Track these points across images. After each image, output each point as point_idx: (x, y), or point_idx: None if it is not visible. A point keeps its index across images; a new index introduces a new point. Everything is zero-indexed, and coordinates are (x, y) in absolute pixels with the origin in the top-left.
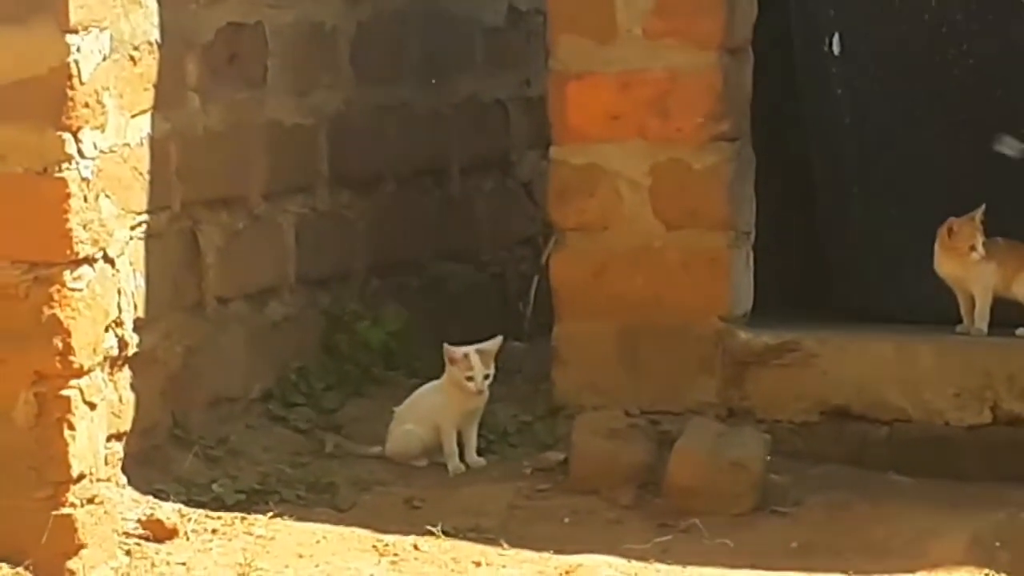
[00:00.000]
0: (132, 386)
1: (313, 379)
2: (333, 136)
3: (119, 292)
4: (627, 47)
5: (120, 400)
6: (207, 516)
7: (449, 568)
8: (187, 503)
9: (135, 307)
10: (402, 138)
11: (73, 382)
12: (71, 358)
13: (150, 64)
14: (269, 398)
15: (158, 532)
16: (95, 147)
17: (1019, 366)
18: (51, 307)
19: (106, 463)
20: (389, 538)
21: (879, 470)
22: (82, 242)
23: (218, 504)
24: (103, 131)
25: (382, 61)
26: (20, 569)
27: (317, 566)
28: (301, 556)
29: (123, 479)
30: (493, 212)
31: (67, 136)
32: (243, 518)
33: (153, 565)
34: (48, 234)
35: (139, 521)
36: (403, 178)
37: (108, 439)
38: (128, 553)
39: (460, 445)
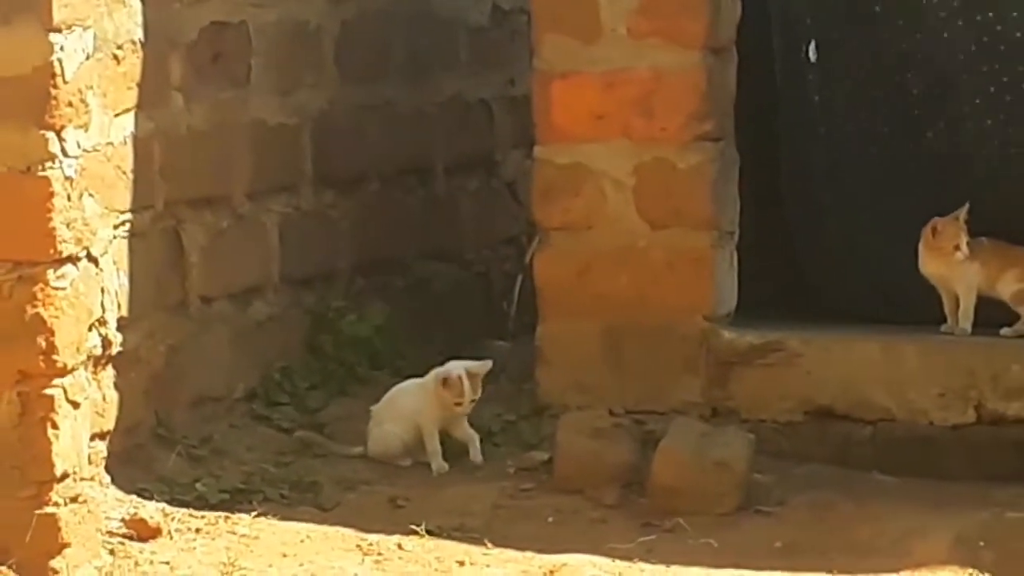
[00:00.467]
0: (115, 385)
1: (297, 378)
2: (317, 135)
3: (102, 291)
4: (611, 47)
5: (104, 399)
6: (191, 515)
7: (433, 567)
8: (171, 502)
9: (119, 306)
10: (386, 137)
11: (56, 381)
12: (54, 357)
13: (134, 63)
14: (253, 397)
15: (142, 531)
16: (78, 146)
17: (1003, 366)
18: (34, 306)
19: (90, 462)
20: (373, 537)
21: (863, 470)
22: (65, 241)
23: (202, 503)
24: (87, 130)
25: (366, 60)
26: (3, 568)
27: (301, 565)
28: (285, 555)
29: (107, 478)
30: (477, 211)
31: (50, 135)
32: (227, 517)
33: (137, 564)
34: (31, 233)
35: (123, 520)
36: (387, 177)
37: (92, 438)
38: (112, 552)
39: (445, 444)
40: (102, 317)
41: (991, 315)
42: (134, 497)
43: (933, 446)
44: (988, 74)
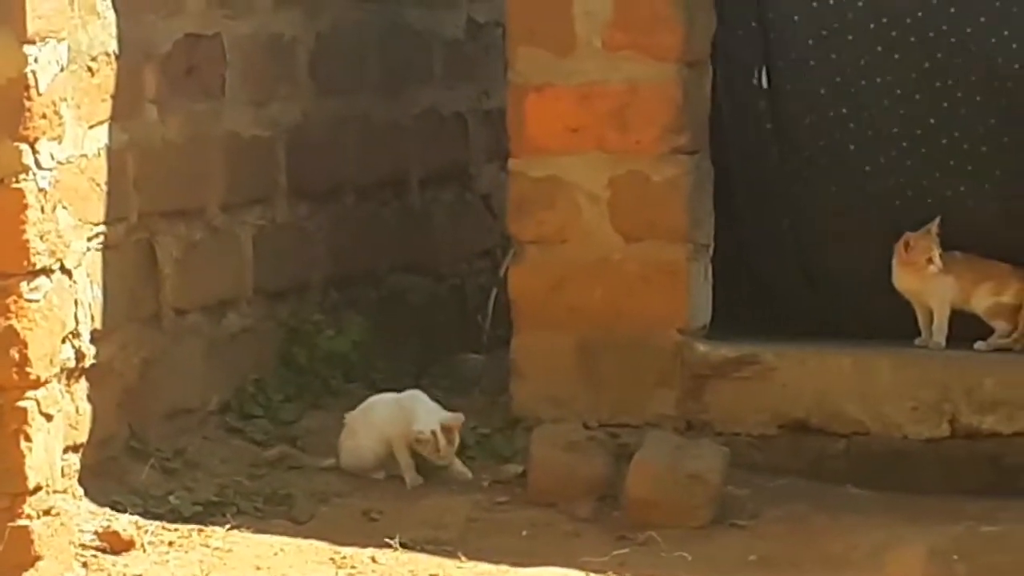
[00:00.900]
0: (89, 398)
1: (271, 391)
2: (291, 148)
3: (76, 303)
4: (586, 59)
5: (77, 412)
6: (164, 528)
7: None
8: (144, 515)
9: (92, 318)
10: (361, 150)
11: (29, 393)
12: (27, 369)
13: (108, 75)
14: (227, 410)
15: (115, 544)
16: (52, 158)
17: (977, 380)
18: (7, 318)
19: (63, 475)
20: (347, 550)
21: (837, 483)
22: (39, 253)
23: (175, 516)
24: (60, 142)
25: (341, 73)
26: None
27: None
28: (258, 568)
29: (80, 491)
30: (452, 224)
31: (24, 147)
32: (200, 530)
33: None
34: (5, 245)
35: (96, 533)
36: (362, 190)
37: (65, 451)
38: (85, 565)
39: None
40: (75, 329)
41: (965, 329)
42: (107, 510)
43: (907, 460)
44: (941, 94)
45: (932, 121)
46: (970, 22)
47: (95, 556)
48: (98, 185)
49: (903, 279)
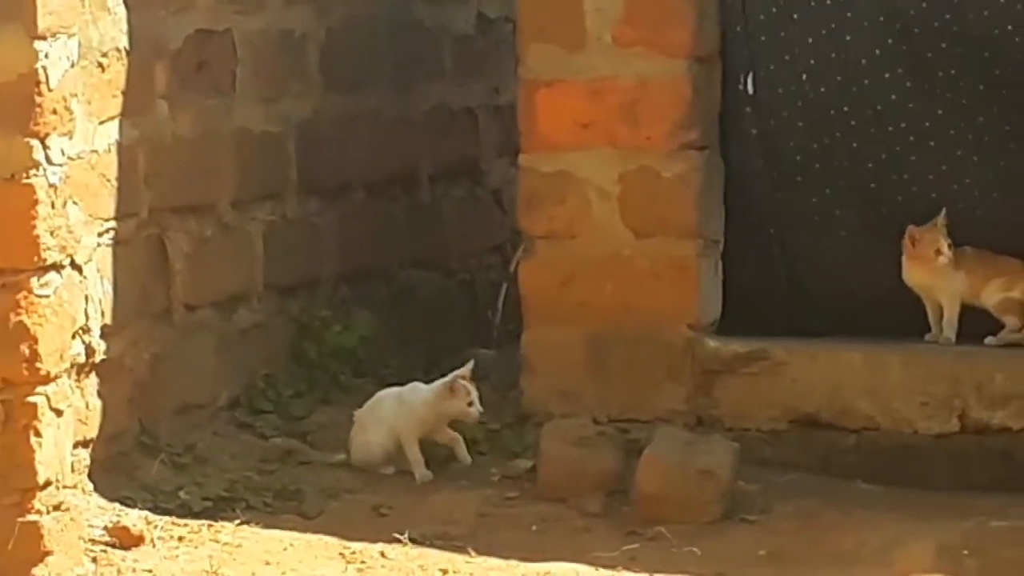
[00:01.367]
0: (99, 393)
1: (281, 386)
2: (302, 143)
3: (86, 299)
4: (597, 55)
5: (87, 407)
6: (174, 523)
7: None
8: (154, 510)
9: (102, 314)
10: (371, 146)
11: (40, 389)
12: (38, 365)
13: (118, 71)
14: (236, 405)
15: (124, 539)
16: (63, 154)
17: (987, 375)
18: (18, 314)
19: (72, 470)
20: (356, 545)
21: (847, 478)
22: (49, 249)
23: (185, 511)
24: (71, 138)
25: (351, 69)
26: None
27: (284, 573)
28: (268, 563)
29: (90, 486)
30: (462, 220)
31: (35, 143)
32: (210, 525)
33: (119, 572)
34: (15, 241)
35: (105, 528)
36: (372, 186)
37: (75, 446)
38: (94, 560)
39: (429, 449)
40: (86, 325)
41: (975, 324)
42: (117, 505)
43: (917, 455)
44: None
45: (940, 112)
46: (973, 10)
47: (105, 551)
48: (108, 181)
49: (913, 274)
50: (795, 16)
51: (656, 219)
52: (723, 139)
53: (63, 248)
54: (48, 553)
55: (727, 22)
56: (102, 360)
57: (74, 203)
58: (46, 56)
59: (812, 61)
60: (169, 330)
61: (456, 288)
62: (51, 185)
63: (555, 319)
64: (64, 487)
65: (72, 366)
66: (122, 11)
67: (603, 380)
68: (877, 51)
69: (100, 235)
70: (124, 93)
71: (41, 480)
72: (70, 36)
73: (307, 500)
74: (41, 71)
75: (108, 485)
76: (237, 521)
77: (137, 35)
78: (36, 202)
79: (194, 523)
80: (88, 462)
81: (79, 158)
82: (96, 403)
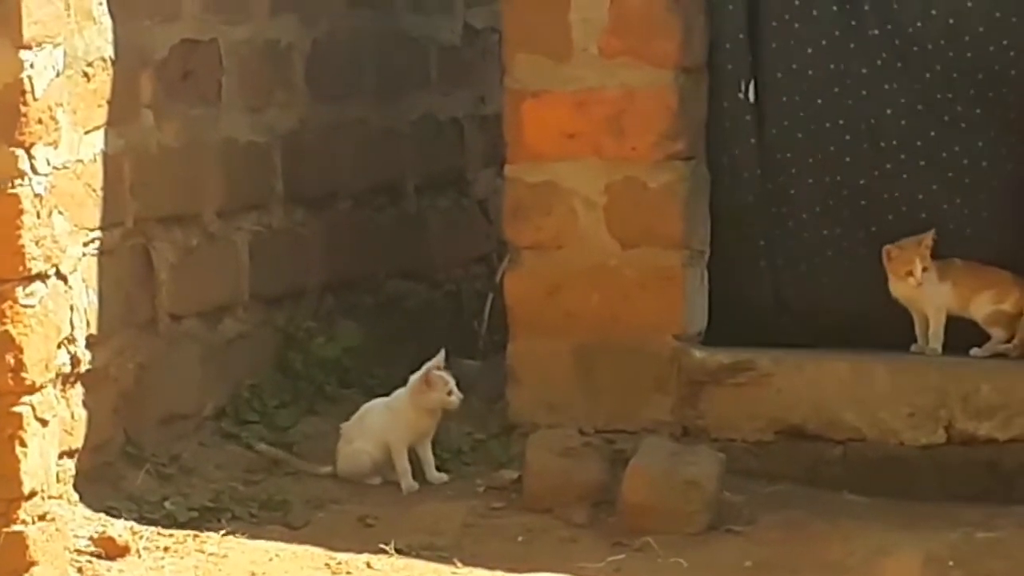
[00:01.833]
0: (84, 403)
1: (267, 397)
2: (287, 153)
3: (72, 308)
4: (583, 66)
5: (72, 417)
6: (159, 534)
7: None
8: (139, 520)
9: (88, 324)
10: (357, 156)
11: (25, 399)
12: (23, 374)
13: (104, 80)
14: (222, 415)
15: (110, 549)
16: (48, 163)
17: (973, 386)
18: (3, 323)
19: (58, 480)
20: (342, 556)
21: (834, 489)
22: (35, 258)
23: (170, 521)
24: (56, 147)
25: (337, 79)
26: None
27: None
28: (253, 574)
29: (75, 496)
30: (448, 230)
31: (20, 152)
32: (195, 536)
33: None
34: (0, 250)
35: (91, 538)
36: (358, 196)
37: (60, 456)
38: (80, 571)
39: (413, 463)
40: (71, 335)
41: (961, 336)
42: (102, 515)
43: (903, 466)
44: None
45: (932, 134)
46: (969, 32)
47: (90, 562)
48: (94, 190)
49: (896, 287)
50: (799, 25)
51: (642, 230)
52: (718, 148)
53: (48, 258)
54: (33, 563)
55: (727, 30)
56: (87, 370)
57: (59, 213)
58: (31, 66)
59: (810, 72)
60: (154, 340)
61: (442, 298)
62: (36, 195)
63: (541, 329)
64: (49, 497)
65: (57, 376)
66: (107, 20)
67: (589, 390)
68: (872, 67)
69: (85, 245)
70: (109, 103)
71: (26, 490)
72: (55, 46)
73: (293, 510)
74: (26, 80)
75: (93, 495)
76: (223, 531)
77: (122, 44)
78: (21, 212)
79: (179, 533)
80: (73, 472)
81: (64, 168)
82: (81, 413)
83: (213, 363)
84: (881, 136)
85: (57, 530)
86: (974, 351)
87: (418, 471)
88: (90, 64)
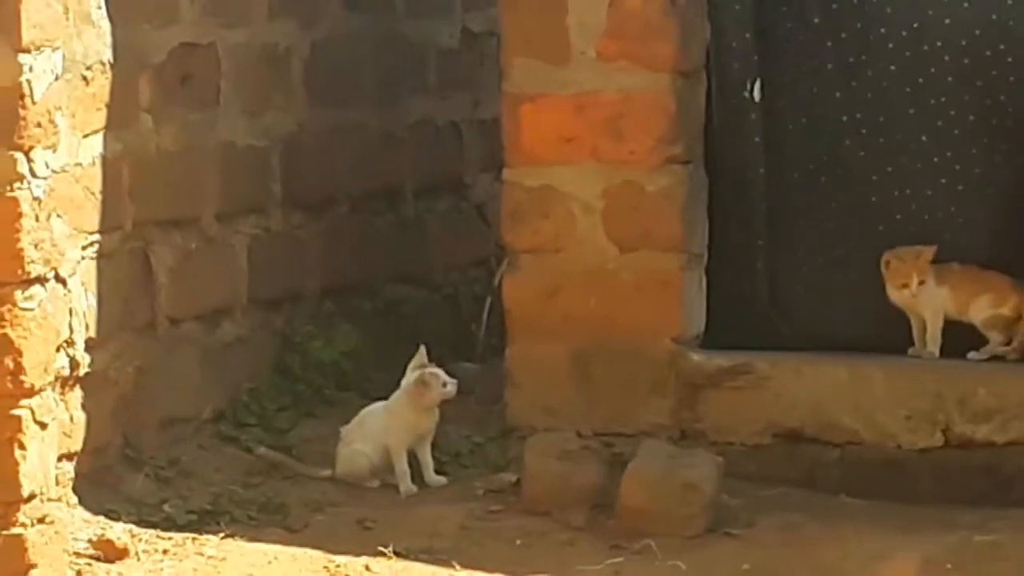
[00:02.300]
0: (83, 406)
1: (265, 400)
2: (286, 157)
3: (70, 312)
4: (581, 69)
5: (71, 420)
6: (158, 536)
7: None
8: (138, 523)
9: (87, 327)
10: (355, 160)
11: (24, 402)
12: (22, 378)
13: (103, 84)
14: (221, 419)
15: (109, 552)
16: (47, 167)
17: (970, 389)
18: (2, 327)
19: (57, 483)
20: (341, 559)
21: (831, 493)
22: (33, 262)
23: (169, 524)
24: (55, 151)
25: (336, 83)
26: None
27: None
28: None
29: (74, 499)
30: (446, 234)
31: (19, 155)
32: (194, 539)
33: None
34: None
35: (90, 541)
36: (356, 200)
37: (59, 459)
38: (79, 573)
39: (412, 466)
40: (70, 338)
41: (958, 339)
42: (101, 518)
43: (901, 469)
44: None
45: (924, 139)
46: (967, 35)
47: (89, 564)
48: (93, 194)
49: (893, 292)
50: (815, 23)
51: (640, 233)
52: (720, 149)
53: (47, 261)
54: (32, 566)
55: (732, 30)
56: (86, 373)
57: (58, 216)
58: (30, 69)
59: (813, 74)
60: (153, 343)
61: (440, 302)
62: (35, 198)
63: (539, 333)
64: (48, 500)
65: (56, 379)
66: (106, 24)
67: (587, 394)
68: (875, 69)
69: (84, 248)
70: (108, 106)
71: (25, 493)
72: (54, 49)
73: (292, 513)
74: (25, 84)
75: (92, 498)
76: (222, 534)
77: (121, 48)
78: (20, 215)
79: (178, 536)
80: (72, 475)
81: (63, 171)
82: (80, 416)
83: (212, 366)
84: (880, 140)
85: (56, 533)
86: (971, 354)
87: (417, 474)
88: (89, 68)
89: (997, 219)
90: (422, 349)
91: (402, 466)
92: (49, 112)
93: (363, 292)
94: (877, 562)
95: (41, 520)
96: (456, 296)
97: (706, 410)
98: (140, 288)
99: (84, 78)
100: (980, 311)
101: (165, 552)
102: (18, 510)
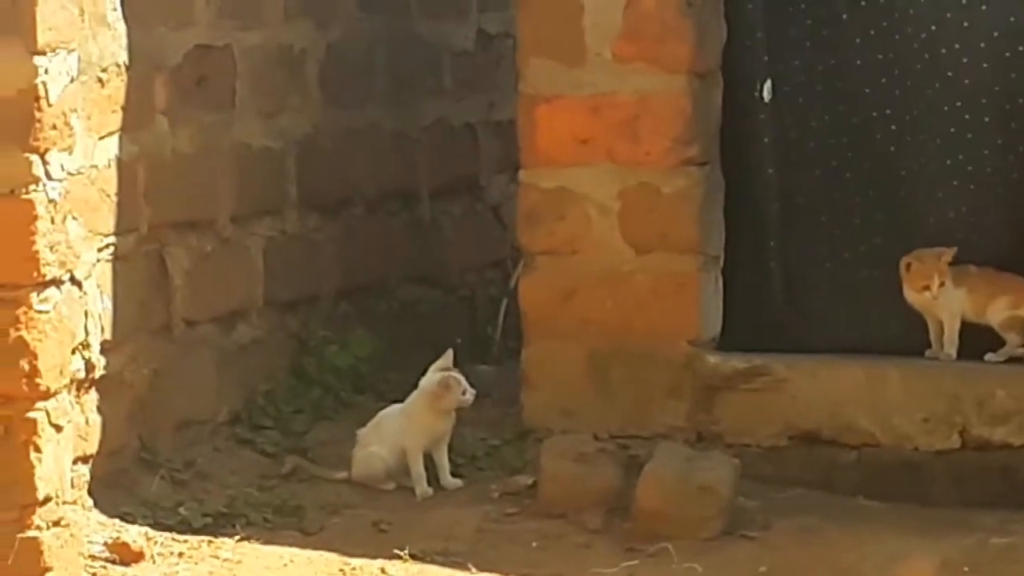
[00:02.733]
0: (99, 409)
1: (281, 402)
2: (301, 159)
3: (86, 314)
4: (596, 71)
5: (87, 423)
6: (174, 539)
7: None
8: (154, 526)
9: (102, 329)
10: (371, 161)
11: (39, 404)
12: (37, 380)
13: (118, 86)
14: (237, 421)
15: (124, 555)
16: (63, 169)
17: (988, 391)
18: (17, 329)
19: (72, 486)
20: (356, 561)
21: (848, 495)
22: (49, 264)
23: (185, 527)
24: (71, 153)
25: (351, 84)
26: None
27: None
28: None
29: (89, 502)
30: (462, 235)
31: (35, 158)
32: (210, 541)
33: None
34: (15, 256)
35: (105, 544)
36: (372, 201)
37: (74, 462)
38: None
39: (428, 469)
40: (85, 340)
41: (976, 341)
42: (117, 521)
43: (918, 471)
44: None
45: (939, 142)
46: (983, 38)
47: (104, 567)
48: (108, 196)
49: (911, 294)
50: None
51: (656, 235)
52: (732, 149)
53: (63, 263)
54: (48, 569)
55: (744, 29)
56: (102, 376)
57: (74, 218)
58: (46, 71)
59: (826, 75)
60: (169, 346)
61: (456, 304)
62: (51, 200)
63: (555, 335)
64: (64, 503)
65: (72, 382)
66: (122, 26)
67: (603, 396)
68: (887, 70)
69: (100, 250)
70: (124, 108)
71: (41, 496)
72: (70, 51)
73: (307, 516)
74: (41, 86)
75: (108, 501)
76: (237, 537)
77: (137, 50)
78: (36, 217)
79: (194, 539)
80: (88, 478)
81: (79, 173)
82: (96, 419)
83: (228, 369)
84: (893, 143)
85: (72, 536)
86: (989, 356)
87: (433, 476)
88: (104, 70)
89: (1012, 221)
90: (449, 352)
91: (418, 469)
92: (65, 114)
93: (379, 294)
94: (894, 564)
95: (57, 523)
96: (472, 298)
97: (722, 412)
98: (156, 290)
99: (100, 80)
100: (998, 313)
101: (180, 555)
102: (33, 513)
